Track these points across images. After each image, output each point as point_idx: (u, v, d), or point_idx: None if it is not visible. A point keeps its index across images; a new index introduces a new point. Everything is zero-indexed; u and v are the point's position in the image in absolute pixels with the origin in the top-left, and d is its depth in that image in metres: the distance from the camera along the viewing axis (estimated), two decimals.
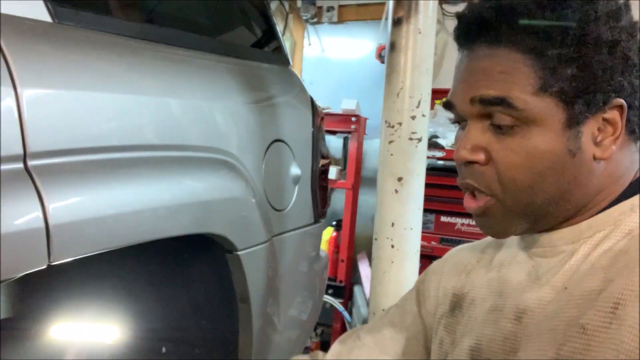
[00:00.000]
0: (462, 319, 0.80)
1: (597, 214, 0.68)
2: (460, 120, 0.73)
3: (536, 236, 0.73)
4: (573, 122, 0.64)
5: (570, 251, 0.69)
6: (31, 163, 0.72)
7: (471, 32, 0.69)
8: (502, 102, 0.65)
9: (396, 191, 1.30)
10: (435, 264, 0.93)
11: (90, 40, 0.91)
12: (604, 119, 0.65)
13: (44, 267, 0.73)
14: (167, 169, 0.99)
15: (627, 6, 0.67)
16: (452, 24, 0.75)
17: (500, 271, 0.78)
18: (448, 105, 0.73)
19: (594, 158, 0.66)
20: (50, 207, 0.73)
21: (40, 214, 0.72)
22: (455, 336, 0.80)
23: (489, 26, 0.67)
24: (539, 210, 0.68)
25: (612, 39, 0.64)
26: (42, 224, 0.72)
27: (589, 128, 0.65)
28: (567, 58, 0.63)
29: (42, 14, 0.83)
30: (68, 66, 0.83)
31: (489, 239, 0.87)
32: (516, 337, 0.70)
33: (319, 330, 3.51)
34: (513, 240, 0.80)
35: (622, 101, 0.64)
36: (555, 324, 0.64)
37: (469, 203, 0.71)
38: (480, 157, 0.68)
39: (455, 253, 0.91)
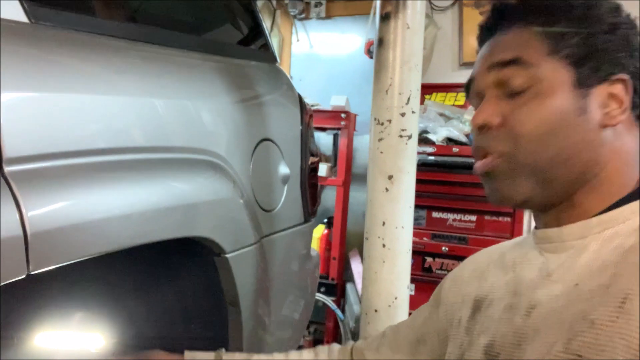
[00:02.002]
0: (480, 319, 0.82)
1: (606, 209, 0.70)
2: (476, 103, 0.80)
3: (546, 231, 0.75)
4: (580, 84, 0.70)
5: (579, 247, 0.70)
6: (8, 169, 0.70)
7: (491, 26, 0.78)
8: (517, 60, 0.72)
9: (387, 189, 1.28)
10: (454, 271, 0.97)
11: (69, 40, 0.88)
12: (610, 92, 0.71)
13: (23, 276, 0.70)
14: (152, 171, 0.96)
15: (623, 11, 0.75)
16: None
17: (515, 271, 0.80)
18: (468, 85, 0.80)
19: (601, 125, 0.70)
20: (29, 214, 0.70)
21: (17, 221, 0.69)
22: (472, 336, 0.82)
23: (505, 15, 0.77)
24: (548, 168, 0.71)
25: (613, 22, 0.72)
26: (19, 232, 0.69)
27: (597, 95, 0.71)
28: (573, 30, 0.71)
29: (18, 14, 0.80)
30: (46, 68, 0.81)
31: (503, 244, 0.91)
32: (523, 330, 0.71)
33: (311, 329, 3.50)
34: (525, 240, 0.83)
35: (625, 77, 0.70)
36: (564, 317, 0.65)
37: (477, 165, 0.77)
38: (496, 119, 0.74)
39: (472, 260, 0.95)
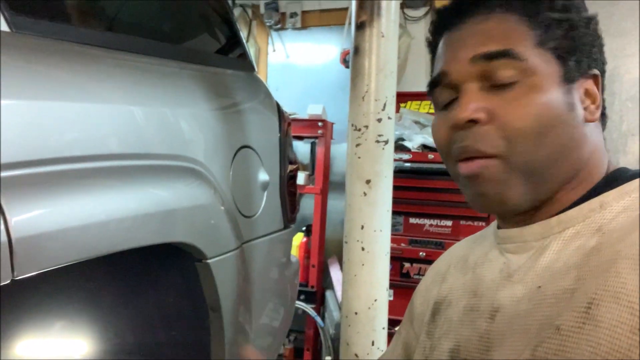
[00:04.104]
0: (439, 322, 0.81)
1: (566, 208, 0.68)
2: (444, 104, 0.72)
3: (508, 231, 0.73)
4: (567, 78, 0.67)
5: (540, 247, 0.68)
6: None
7: (462, 10, 0.72)
8: (506, 53, 0.66)
9: (365, 194, 1.30)
10: (421, 281, 0.93)
11: (50, 49, 0.89)
12: (585, 90, 0.69)
13: (8, 282, 0.71)
14: (132, 178, 0.97)
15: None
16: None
17: (474, 271, 0.78)
18: (437, 81, 0.72)
19: (585, 121, 0.68)
20: (13, 220, 0.71)
21: (2, 227, 0.70)
22: (433, 340, 0.80)
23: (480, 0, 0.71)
24: (540, 170, 0.67)
25: (588, 16, 0.70)
26: (4, 237, 0.70)
27: (578, 90, 0.68)
28: (557, 20, 0.68)
29: None
30: (27, 76, 0.82)
31: (463, 242, 0.89)
32: (489, 335, 0.69)
33: (292, 337, 3.50)
34: (486, 238, 0.81)
35: (597, 72, 0.69)
36: (529, 323, 0.64)
37: (466, 167, 0.69)
38: (482, 114, 0.67)
39: (434, 265, 0.92)
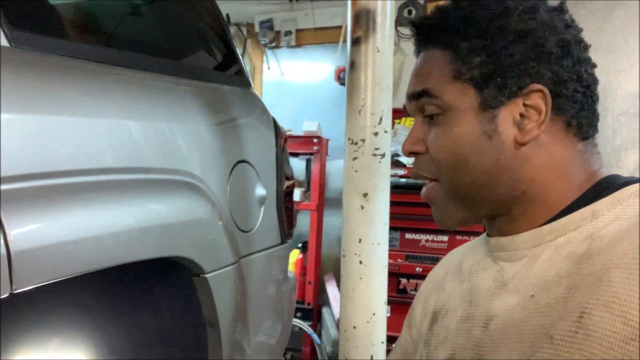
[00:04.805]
0: (436, 330, 0.81)
1: (558, 215, 0.69)
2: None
3: (500, 240, 0.74)
4: (486, 106, 0.69)
5: (532, 255, 0.69)
6: None
7: (417, 40, 0.78)
8: (423, 93, 0.73)
9: (362, 207, 1.30)
10: (420, 288, 0.96)
11: (49, 64, 0.90)
12: (526, 105, 0.68)
13: (7, 295, 0.70)
14: (130, 192, 0.97)
15: (558, 8, 0.72)
16: (407, 45, 0.83)
17: (470, 280, 0.79)
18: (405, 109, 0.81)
19: (518, 143, 0.69)
20: (12, 233, 0.71)
21: (1, 240, 0.70)
22: (430, 348, 0.81)
23: (420, 34, 0.77)
24: (470, 193, 0.72)
25: (520, 29, 0.68)
26: (4, 250, 0.69)
27: (508, 112, 0.69)
28: (475, 48, 0.69)
29: None
30: (26, 91, 0.82)
31: (460, 248, 0.90)
32: (482, 343, 0.70)
33: (288, 355, 3.47)
34: (480, 245, 0.82)
35: (539, 86, 0.67)
36: (523, 332, 0.64)
37: (421, 193, 0.79)
38: (420, 147, 0.76)
39: (432, 272, 0.94)
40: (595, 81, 0.72)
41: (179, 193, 1.08)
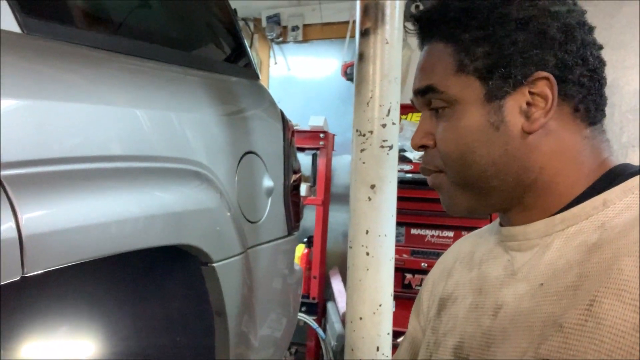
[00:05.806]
0: (444, 318, 0.81)
1: (569, 204, 0.69)
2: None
3: (511, 229, 0.74)
4: (492, 97, 0.69)
5: (543, 244, 0.69)
6: (4, 173, 0.71)
7: (420, 35, 0.78)
8: (429, 89, 0.73)
9: (369, 199, 1.30)
10: (429, 273, 0.96)
11: (60, 51, 0.91)
12: (532, 93, 0.68)
13: (18, 278, 0.71)
14: (139, 179, 0.98)
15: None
16: (414, 41, 0.83)
17: (480, 268, 0.79)
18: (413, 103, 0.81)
19: (526, 132, 0.68)
20: (24, 217, 0.72)
21: (13, 224, 0.70)
22: (438, 336, 0.81)
23: (422, 28, 0.77)
24: (479, 183, 0.72)
25: (522, 16, 0.67)
26: (15, 234, 0.70)
27: (514, 102, 0.69)
28: (478, 38, 0.69)
29: (11, 25, 0.83)
30: (39, 77, 0.83)
31: (470, 236, 0.90)
32: (491, 331, 0.70)
33: (293, 349, 3.48)
34: (491, 234, 0.82)
35: (545, 73, 0.67)
36: (532, 320, 0.64)
37: (428, 179, 0.79)
38: (429, 141, 0.76)
39: (441, 259, 0.94)
40: (602, 63, 0.71)
41: (187, 182, 1.09)
